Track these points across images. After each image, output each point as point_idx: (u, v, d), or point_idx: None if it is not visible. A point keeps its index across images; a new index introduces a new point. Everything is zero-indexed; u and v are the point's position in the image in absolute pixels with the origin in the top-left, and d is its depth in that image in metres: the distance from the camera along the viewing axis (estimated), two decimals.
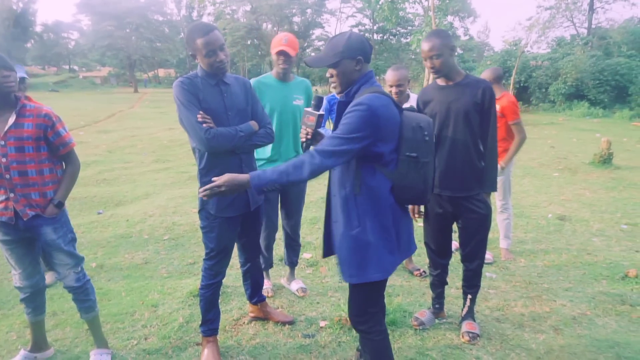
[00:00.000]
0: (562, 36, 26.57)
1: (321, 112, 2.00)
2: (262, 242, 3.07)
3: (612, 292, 3.28)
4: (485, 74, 3.79)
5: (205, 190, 1.77)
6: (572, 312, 3.00)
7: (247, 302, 2.90)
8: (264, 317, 2.87)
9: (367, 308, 1.95)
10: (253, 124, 2.33)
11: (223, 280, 2.50)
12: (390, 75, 3.18)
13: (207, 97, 2.22)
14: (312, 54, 48.96)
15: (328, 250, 2.05)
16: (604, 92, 19.76)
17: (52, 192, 2.23)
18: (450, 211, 2.63)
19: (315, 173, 1.71)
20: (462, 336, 2.68)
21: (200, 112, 2.17)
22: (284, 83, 3.03)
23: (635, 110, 17.99)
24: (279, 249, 3.83)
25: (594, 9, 27.79)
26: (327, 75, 1.87)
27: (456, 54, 2.72)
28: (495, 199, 3.90)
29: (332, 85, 1.90)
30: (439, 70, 2.49)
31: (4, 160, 2.11)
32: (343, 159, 1.74)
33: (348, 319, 2.06)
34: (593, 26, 27.79)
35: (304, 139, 2.01)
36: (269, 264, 3.29)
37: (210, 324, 2.49)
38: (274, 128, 2.68)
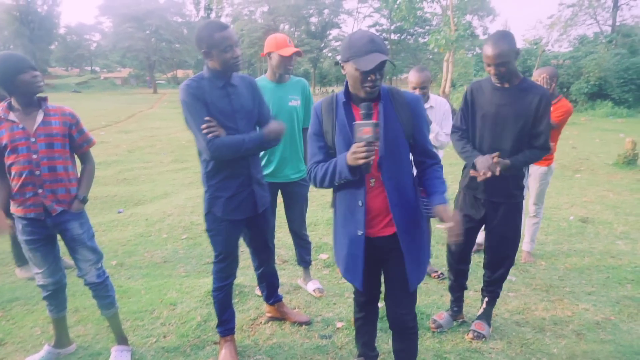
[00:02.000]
0: (585, 34, 26.01)
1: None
2: None
3: (638, 297, 3.19)
4: (540, 73, 3.46)
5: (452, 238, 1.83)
6: (595, 317, 2.93)
7: (264, 302, 2.91)
8: (280, 317, 2.88)
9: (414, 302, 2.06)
10: (262, 131, 2.28)
11: (240, 280, 2.52)
12: (414, 77, 3.16)
13: (214, 100, 2.18)
14: (329, 54, 49.04)
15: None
16: (629, 92, 19.28)
17: (74, 189, 2.30)
18: (482, 215, 2.55)
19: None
20: (467, 334, 2.66)
21: (207, 118, 2.13)
22: (279, 85, 2.95)
23: None
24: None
25: (618, 5, 27.16)
26: (374, 77, 1.68)
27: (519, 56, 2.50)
28: (529, 203, 3.82)
29: (376, 88, 1.74)
30: (503, 77, 2.34)
31: (34, 156, 2.17)
32: None
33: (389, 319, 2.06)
34: (617, 23, 27.15)
35: (369, 158, 1.67)
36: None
37: (226, 324, 2.51)
38: None
